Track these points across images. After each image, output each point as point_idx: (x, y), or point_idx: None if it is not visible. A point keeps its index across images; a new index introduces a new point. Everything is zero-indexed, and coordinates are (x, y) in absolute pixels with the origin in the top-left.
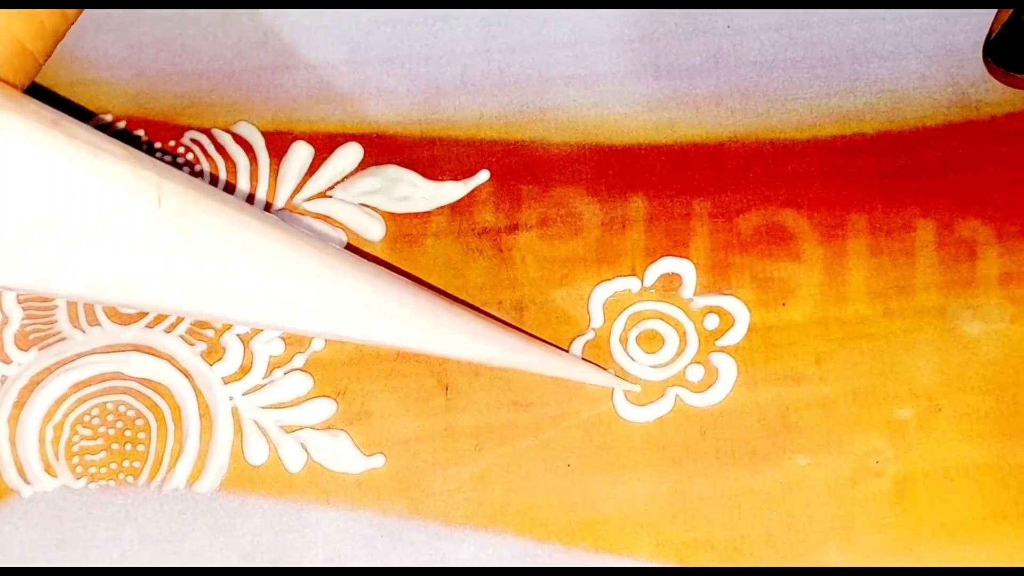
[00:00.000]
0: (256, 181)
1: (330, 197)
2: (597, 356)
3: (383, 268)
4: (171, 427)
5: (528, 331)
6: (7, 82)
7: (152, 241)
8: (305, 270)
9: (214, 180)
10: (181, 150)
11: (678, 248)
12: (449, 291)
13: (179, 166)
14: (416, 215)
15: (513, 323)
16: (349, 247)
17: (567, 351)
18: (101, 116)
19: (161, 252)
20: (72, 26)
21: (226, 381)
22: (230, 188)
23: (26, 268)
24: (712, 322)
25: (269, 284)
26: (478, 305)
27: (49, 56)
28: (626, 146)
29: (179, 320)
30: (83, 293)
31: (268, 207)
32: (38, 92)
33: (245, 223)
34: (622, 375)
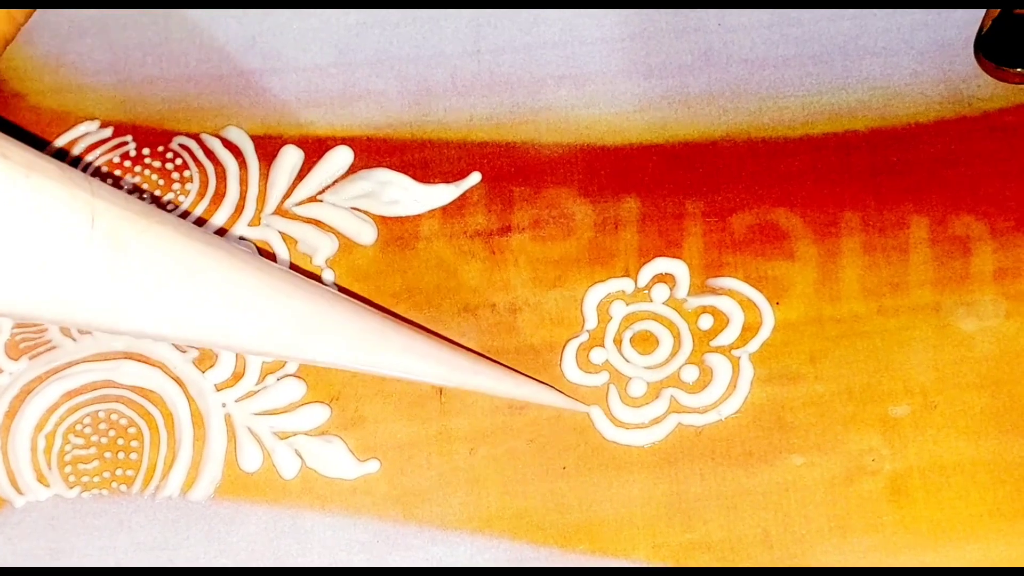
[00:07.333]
0: (246, 186)
1: (321, 201)
2: (589, 358)
3: (331, 289)
4: (164, 435)
5: (478, 352)
6: None
7: (84, 260)
8: (243, 291)
9: (203, 185)
10: (170, 155)
11: (671, 248)
12: (442, 294)
13: (167, 172)
14: (408, 218)
15: (506, 326)
16: (292, 267)
17: (523, 373)
18: (87, 122)
19: (93, 271)
20: (19, 31)
21: (219, 388)
22: (220, 193)
23: None
24: (706, 322)
25: (205, 303)
26: (471, 308)
27: None
28: (618, 146)
29: None
30: (14, 310)
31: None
32: None
33: (182, 244)
34: (616, 377)
